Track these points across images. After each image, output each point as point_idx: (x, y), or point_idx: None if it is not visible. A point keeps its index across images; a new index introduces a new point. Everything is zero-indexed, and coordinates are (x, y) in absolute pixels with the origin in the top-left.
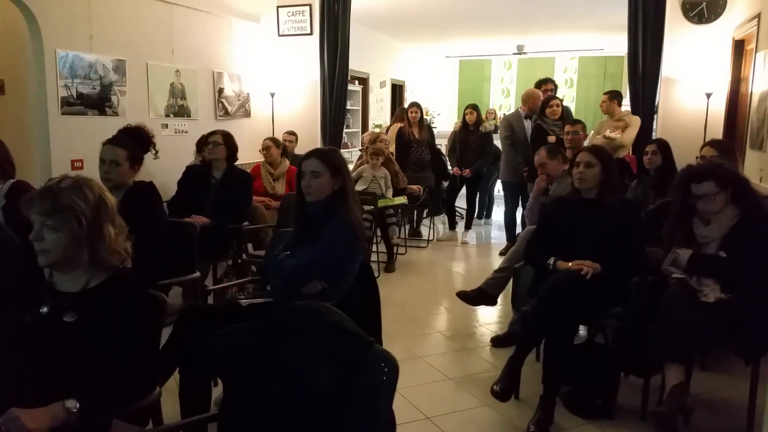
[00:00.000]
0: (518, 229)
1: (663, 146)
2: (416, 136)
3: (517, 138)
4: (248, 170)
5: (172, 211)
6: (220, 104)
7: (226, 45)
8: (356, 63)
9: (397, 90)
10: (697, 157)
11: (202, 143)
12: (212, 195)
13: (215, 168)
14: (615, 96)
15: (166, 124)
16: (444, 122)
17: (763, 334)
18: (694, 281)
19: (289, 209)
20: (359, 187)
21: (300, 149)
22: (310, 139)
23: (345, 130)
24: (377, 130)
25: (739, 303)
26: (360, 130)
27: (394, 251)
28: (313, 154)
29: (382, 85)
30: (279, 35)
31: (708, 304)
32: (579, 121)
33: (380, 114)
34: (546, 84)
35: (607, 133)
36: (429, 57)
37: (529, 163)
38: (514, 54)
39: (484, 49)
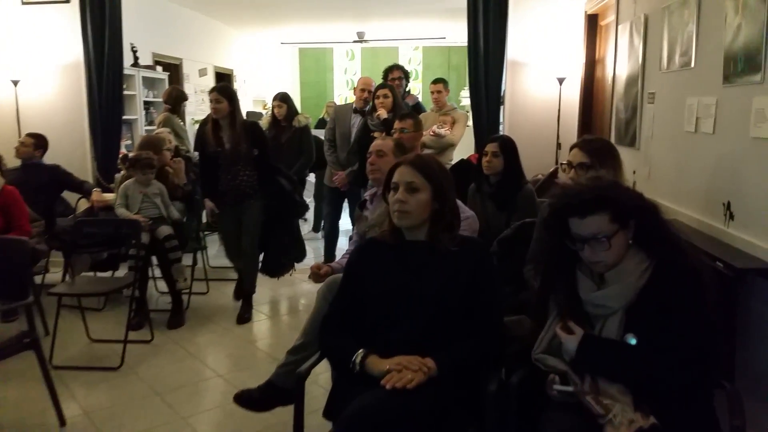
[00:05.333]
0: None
1: (506, 146)
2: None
3: (339, 134)
4: None
5: None
6: None
7: None
8: (163, 45)
9: (225, 80)
10: (562, 164)
11: None
12: None
13: None
14: (447, 85)
15: None
16: None
17: None
18: (588, 388)
19: None
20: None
21: (60, 154)
22: (74, 141)
23: (146, 127)
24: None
25: None
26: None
27: (184, 294)
28: None
29: (202, 73)
30: (23, 3)
31: None
32: (410, 115)
33: (200, 108)
34: (392, 72)
35: (435, 128)
36: (263, 43)
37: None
38: (355, 42)
39: (323, 36)
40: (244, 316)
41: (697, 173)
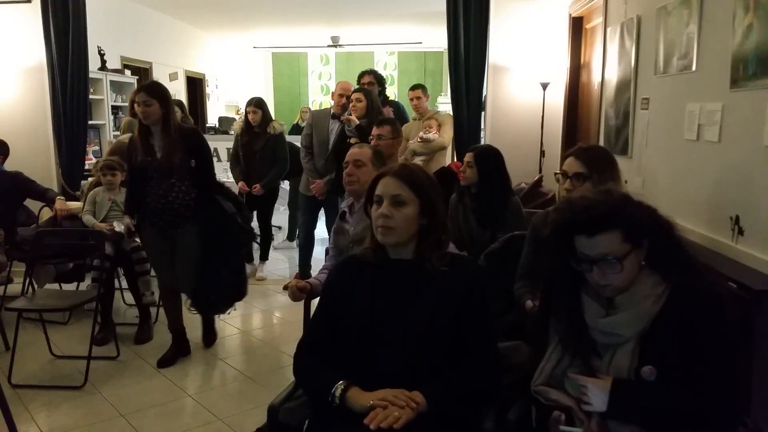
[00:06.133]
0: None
1: (479, 158)
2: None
3: (316, 141)
4: None
5: None
6: None
7: None
8: (131, 49)
9: (196, 84)
10: (555, 174)
11: None
12: None
13: None
14: (426, 91)
15: None
16: None
17: None
18: (596, 426)
19: None
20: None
21: (23, 160)
22: (37, 147)
23: (114, 132)
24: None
25: None
26: None
27: (151, 308)
28: None
29: (173, 77)
30: None
31: None
32: (388, 121)
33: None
34: (363, 77)
35: (422, 134)
36: (235, 47)
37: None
38: (330, 46)
39: (296, 40)
40: (208, 339)
41: (700, 184)
